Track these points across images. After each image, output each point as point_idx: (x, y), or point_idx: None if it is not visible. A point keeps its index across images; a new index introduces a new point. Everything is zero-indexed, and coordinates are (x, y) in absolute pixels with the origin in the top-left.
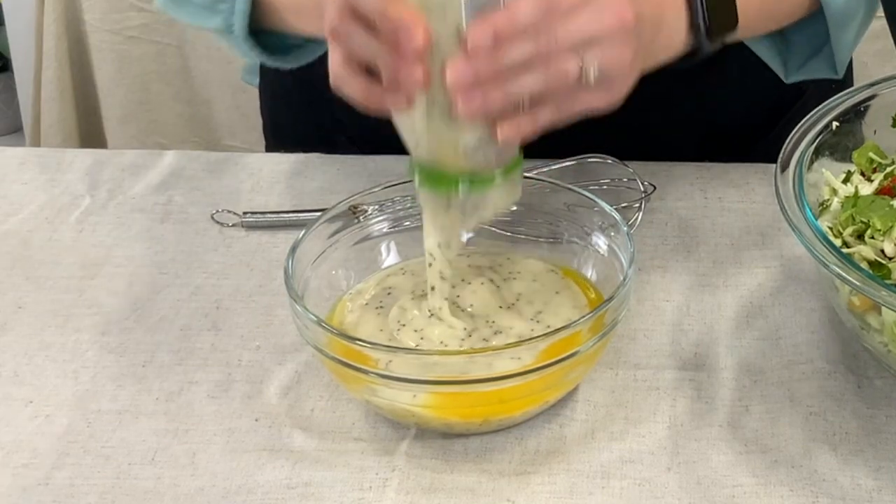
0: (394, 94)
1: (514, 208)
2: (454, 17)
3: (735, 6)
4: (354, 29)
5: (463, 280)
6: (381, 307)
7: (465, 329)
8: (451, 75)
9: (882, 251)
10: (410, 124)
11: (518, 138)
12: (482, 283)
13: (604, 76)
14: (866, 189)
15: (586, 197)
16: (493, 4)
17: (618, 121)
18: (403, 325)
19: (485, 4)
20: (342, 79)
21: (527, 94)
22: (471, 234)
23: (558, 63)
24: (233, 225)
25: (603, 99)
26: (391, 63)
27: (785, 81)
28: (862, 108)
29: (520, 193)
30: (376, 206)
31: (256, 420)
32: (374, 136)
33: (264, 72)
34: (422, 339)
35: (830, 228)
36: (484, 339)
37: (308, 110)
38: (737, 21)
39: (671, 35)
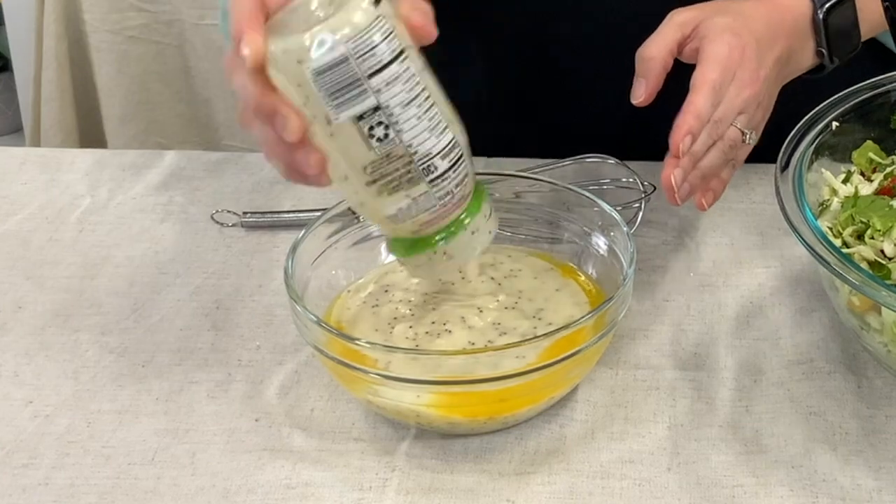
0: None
1: (514, 208)
2: (319, 108)
3: (859, 34)
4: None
5: (463, 278)
6: (377, 305)
7: (469, 342)
8: (668, 181)
9: (882, 251)
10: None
11: (716, 201)
12: (482, 282)
13: (752, 136)
14: (866, 189)
15: (586, 197)
16: (349, 86)
17: (619, 121)
18: (393, 328)
19: (337, 89)
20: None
21: (714, 168)
22: None
23: (728, 136)
24: (233, 225)
25: (755, 143)
26: (284, 154)
27: None
28: (862, 108)
29: (496, 224)
30: None
31: (256, 420)
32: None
33: None
34: (417, 345)
35: (830, 228)
36: (489, 341)
37: None
38: (859, 44)
39: (799, 61)
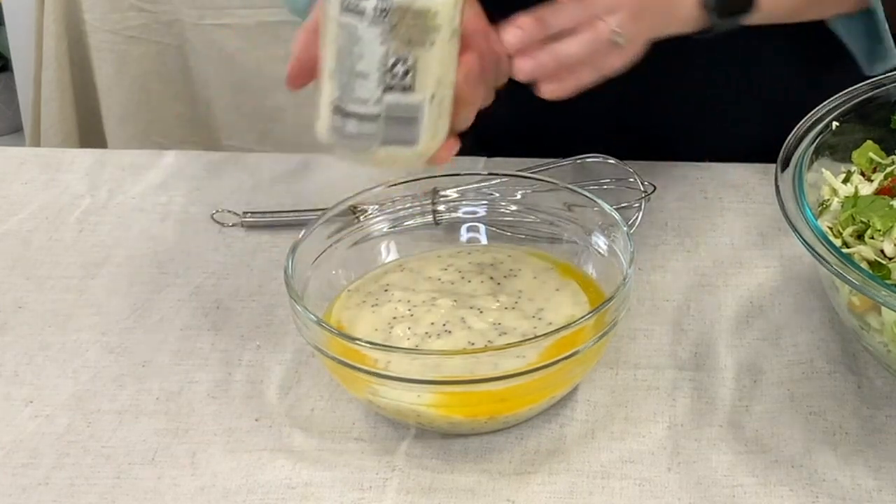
0: None
1: (514, 208)
2: None
3: None
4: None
5: (463, 278)
6: (377, 305)
7: (469, 343)
8: (504, 39)
9: (882, 251)
10: None
11: (561, 95)
12: (482, 282)
13: (622, 39)
14: (866, 189)
15: (586, 197)
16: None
17: (618, 120)
18: (393, 328)
19: None
20: None
21: (571, 56)
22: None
23: (595, 28)
24: (233, 225)
25: (622, 60)
26: None
27: (865, 73)
28: (862, 108)
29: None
30: (376, 206)
31: (256, 420)
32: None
33: None
34: (416, 345)
35: (830, 228)
36: (489, 341)
37: None
38: (751, 4)
39: (681, 9)
